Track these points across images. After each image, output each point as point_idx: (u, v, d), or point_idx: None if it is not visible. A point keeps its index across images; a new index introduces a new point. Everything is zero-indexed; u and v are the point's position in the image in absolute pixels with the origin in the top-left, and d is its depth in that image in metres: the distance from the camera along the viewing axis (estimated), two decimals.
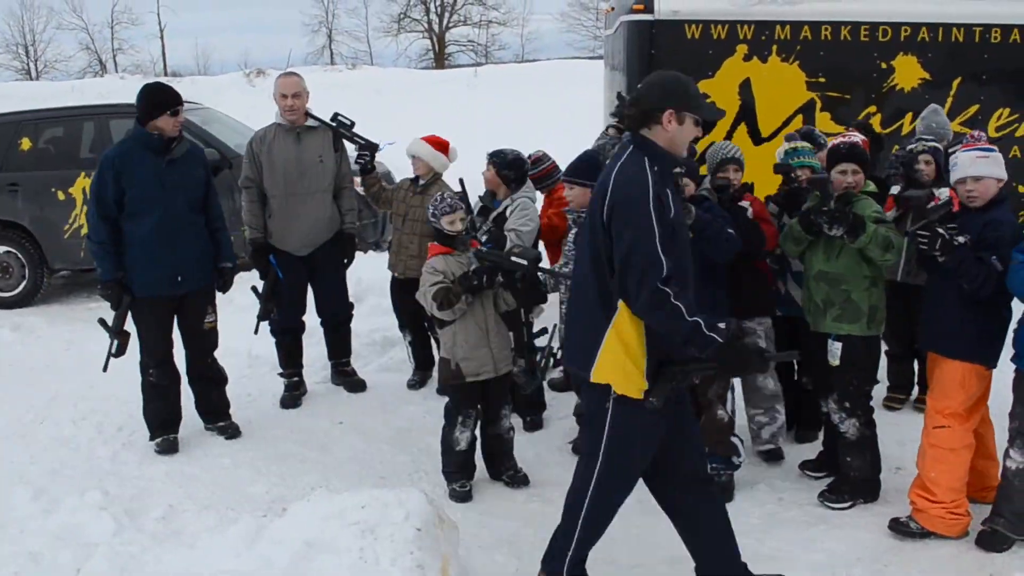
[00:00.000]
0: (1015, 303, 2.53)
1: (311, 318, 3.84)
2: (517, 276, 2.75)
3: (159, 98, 3.12)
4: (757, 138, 4.92)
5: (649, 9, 4.75)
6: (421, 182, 3.67)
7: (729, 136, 4.95)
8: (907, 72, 4.93)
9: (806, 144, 3.11)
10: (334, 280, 3.76)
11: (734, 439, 2.79)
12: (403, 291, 3.67)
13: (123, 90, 14.20)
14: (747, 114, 4.91)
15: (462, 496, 2.87)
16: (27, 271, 5.65)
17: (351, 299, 3.90)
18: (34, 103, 7.88)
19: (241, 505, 2.81)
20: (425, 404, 3.73)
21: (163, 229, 3.11)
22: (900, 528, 2.58)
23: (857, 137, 2.92)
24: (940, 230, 2.42)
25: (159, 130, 3.10)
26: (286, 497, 2.82)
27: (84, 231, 5.58)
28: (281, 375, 3.80)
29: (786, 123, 4.93)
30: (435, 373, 3.82)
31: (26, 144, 5.68)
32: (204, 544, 2.43)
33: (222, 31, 43.51)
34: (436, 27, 28.25)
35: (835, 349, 2.69)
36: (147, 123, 3.11)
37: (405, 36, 28.42)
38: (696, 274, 2.15)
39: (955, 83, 4.96)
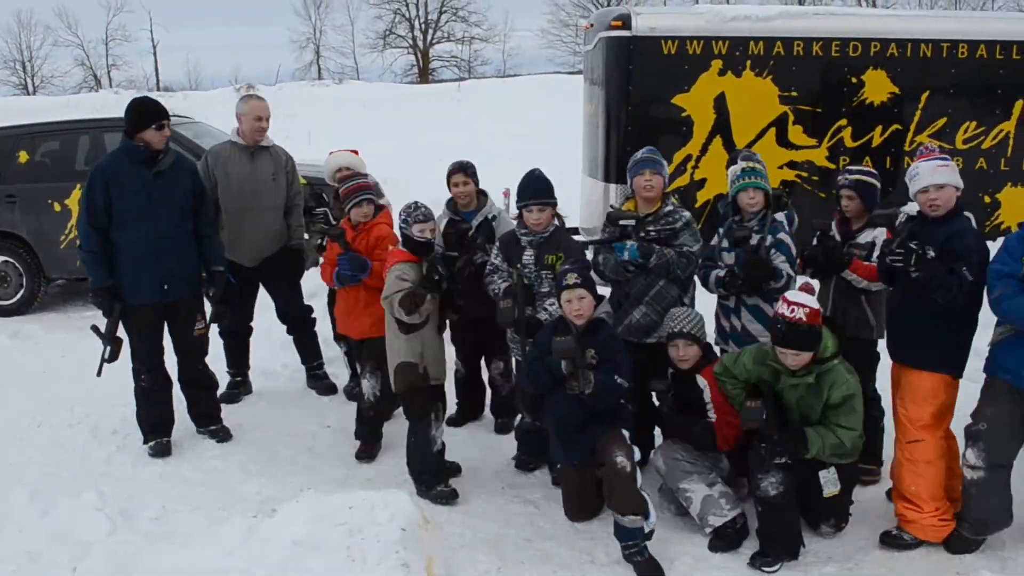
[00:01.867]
0: (981, 313, 2.53)
1: (262, 323, 3.98)
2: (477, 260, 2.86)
3: (144, 112, 3.20)
4: (732, 150, 5.07)
5: (627, 26, 4.92)
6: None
7: (704, 149, 5.12)
8: (877, 86, 5.11)
9: (758, 165, 2.87)
10: (286, 285, 3.87)
11: (643, 492, 2.50)
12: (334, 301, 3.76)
13: (117, 105, 14.14)
14: (722, 127, 5.08)
15: (449, 495, 2.88)
16: (24, 280, 5.73)
17: (309, 303, 4.02)
18: (31, 117, 7.94)
19: (232, 506, 2.88)
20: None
21: (150, 239, 3.18)
22: (893, 541, 2.57)
23: (803, 310, 2.41)
24: (912, 245, 2.38)
25: (145, 143, 3.18)
26: (276, 498, 2.89)
27: (79, 241, 5.70)
28: (228, 373, 3.94)
29: (760, 135, 5.10)
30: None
31: (23, 157, 5.76)
32: (196, 543, 2.51)
33: (213, 47, 43.93)
34: (420, 43, 28.69)
35: (832, 476, 2.54)
36: (134, 136, 3.18)
37: (390, 52, 28.98)
38: None
39: (923, 97, 5.14)
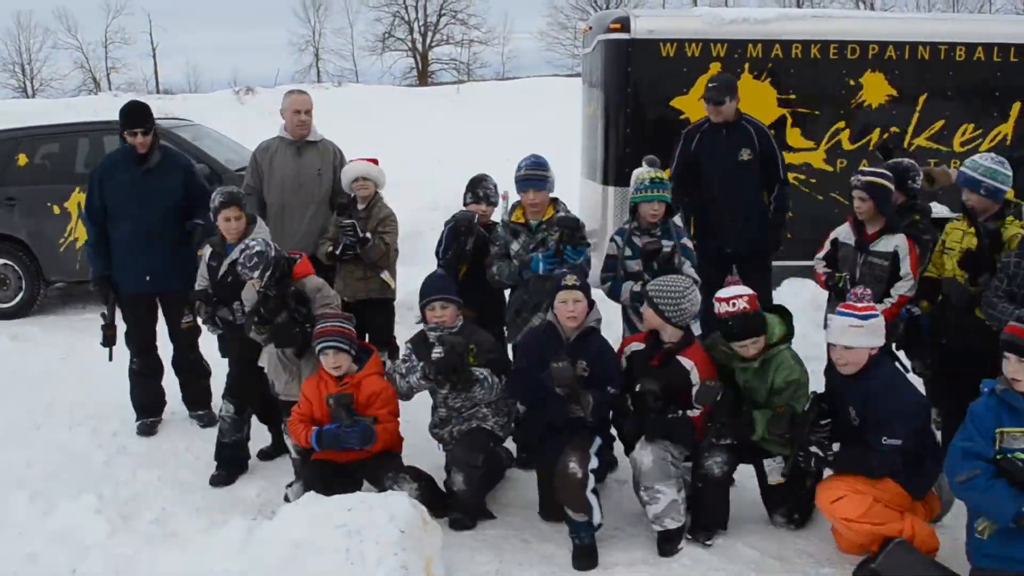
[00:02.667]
0: None
1: None
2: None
3: (123, 116, 3.46)
4: None
5: (626, 28, 4.91)
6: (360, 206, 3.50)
7: None
8: (875, 89, 5.10)
9: (660, 175, 2.91)
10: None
11: (590, 496, 2.55)
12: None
13: (116, 107, 14.12)
14: None
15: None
16: (24, 282, 5.74)
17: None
18: (30, 120, 7.93)
19: (232, 508, 2.89)
20: (408, 414, 3.83)
21: (136, 233, 3.41)
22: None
23: (743, 299, 2.51)
24: (813, 448, 2.33)
25: (132, 145, 3.42)
26: (275, 500, 2.90)
27: (79, 244, 5.68)
28: None
29: None
30: None
31: (23, 160, 5.77)
32: (196, 546, 2.52)
33: (212, 50, 44.04)
34: (420, 46, 28.70)
35: (777, 465, 2.56)
36: (124, 137, 3.47)
37: (390, 55, 28.94)
38: None
39: (921, 99, 5.13)
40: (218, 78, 37.03)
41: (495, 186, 3.33)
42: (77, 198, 5.68)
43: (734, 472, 2.63)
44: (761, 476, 2.67)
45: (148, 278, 3.44)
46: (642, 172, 2.98)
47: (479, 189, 3.29)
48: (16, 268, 5.75)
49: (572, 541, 2.60)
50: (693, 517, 2.66)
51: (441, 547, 2.51)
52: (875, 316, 2.41)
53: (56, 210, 5.71)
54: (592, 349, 2.66)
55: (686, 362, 2.62)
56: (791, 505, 2.66)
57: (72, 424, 3.73)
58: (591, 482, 2.57)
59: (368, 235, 3.40)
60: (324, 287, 3.00)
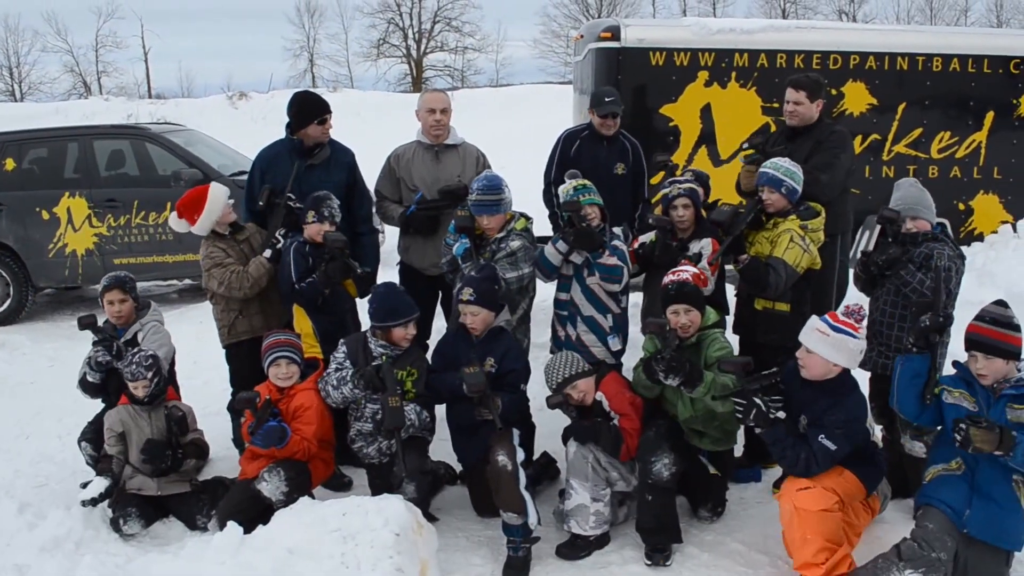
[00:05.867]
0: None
1: None
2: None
3: (306, 108, 3.19)
4: (717, 160, 5.17)
5: (616, 37, 5.01)
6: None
7: (691, 159, 5.22)
8: (856, 97, 5.23)
9: (588, 182, 2.97)
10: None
11: (524, 492, 2.53)
12: None
13: (107, 112, 14.09)
14: (707, 137, 5.17)
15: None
16: (11, 289, 5.68)
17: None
18: (19, 124, 7.86)
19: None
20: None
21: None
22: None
23: (688, 272, 2.67)
24: (757, 400, 2.29)
25: (308, 137, 3.17)
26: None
27: (68, 250, 5.65)
28: None
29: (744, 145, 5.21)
30: None
31: (10, 164, 5.72)
32: (188, 553, 2.49)
33: (205, 55, 43.53)
34: (414, 53, 28.76)
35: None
36: (296, 131, 3.18)
37: (384, 61, 28.94)
38: None
39: (900, 108, 5.27)
40: (211, 83, 36.77)
41: (338, 204, 3.10)
42: (66, 203, 5.64)
43: (678, 477, 2.58)
44: (688, 475, 2.69)
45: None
46: (568, 184, 2.98)
47: (324, 209, 3.02)
48: (4, 274, 5.68)
49: (507, 551, 2.56)
50: (646, 535, 2.61)
51: (436, 549, 2.52)
52: (847, 334, 2.34)
53: (45, 216, 5.66)
54: (500, 347, 2.75)
55: (597, 394, 2.68)
56: (716, 500, 2.80)
57: (61, 433, 3.68)
58: (523, 476, 2.56)
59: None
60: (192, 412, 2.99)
